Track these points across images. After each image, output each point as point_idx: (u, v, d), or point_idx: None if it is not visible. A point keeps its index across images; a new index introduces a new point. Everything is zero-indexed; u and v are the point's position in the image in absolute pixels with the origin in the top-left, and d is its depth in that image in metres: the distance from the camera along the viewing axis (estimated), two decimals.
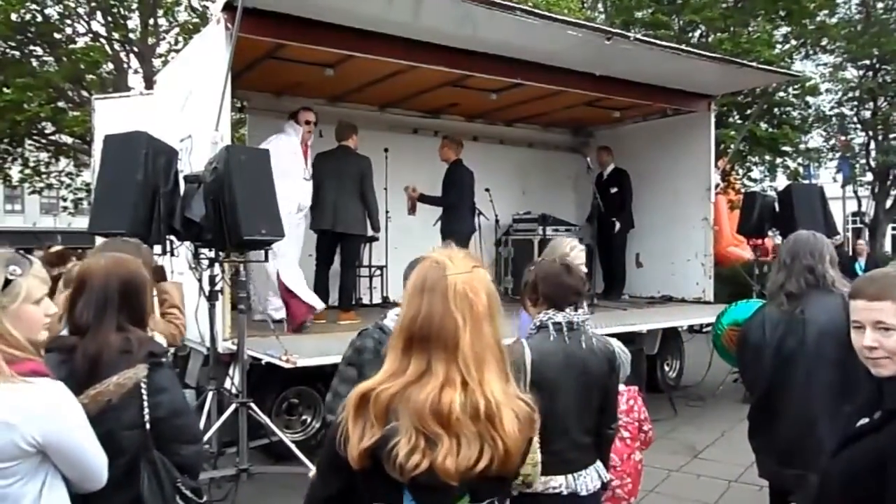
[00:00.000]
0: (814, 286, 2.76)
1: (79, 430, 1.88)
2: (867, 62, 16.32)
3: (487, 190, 8.37)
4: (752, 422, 2.95)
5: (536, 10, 6.10)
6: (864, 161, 18.02)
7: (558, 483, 2.63)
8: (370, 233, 7.17)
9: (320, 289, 6.69)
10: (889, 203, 17.54)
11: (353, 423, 1.45)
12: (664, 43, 7.47)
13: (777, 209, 7.79)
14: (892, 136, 17.08)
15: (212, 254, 4.62)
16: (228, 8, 5.06)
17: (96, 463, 1.94)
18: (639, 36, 7.29)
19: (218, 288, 4.73)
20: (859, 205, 19.05)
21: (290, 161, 6.24)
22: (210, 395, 4.65)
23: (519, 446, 1.47)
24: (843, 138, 17.63)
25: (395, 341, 1.51)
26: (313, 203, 6.64)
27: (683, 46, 8.42)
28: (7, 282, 1.89)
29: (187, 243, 4.69)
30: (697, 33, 14.49)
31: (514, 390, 1.52)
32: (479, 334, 1.47)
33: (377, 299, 8.28)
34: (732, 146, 11.85)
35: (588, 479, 2.66)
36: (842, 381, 2.59)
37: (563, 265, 2.80)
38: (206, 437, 4.27)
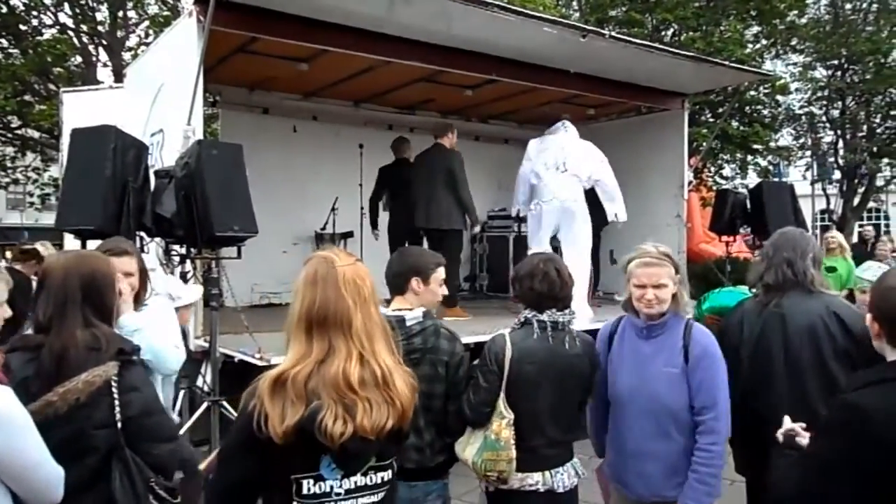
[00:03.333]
0: (792, 281, 2.73)
1: (24, 441, 1.81)
2: (836, 62, 16.59)
3: None
4: (732, 424, 2.95)
5: (511, 7, 6.09)
6: (832, 160, 18.34)
7: (535, 480, 2.63)
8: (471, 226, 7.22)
9: None
10: (856, 201, 17.86)
11: (270, 404, 1.63)
12: (638, 41, 7.51)
13: (748, 206, 7.88)
14: (859, 134, 17.39)
15: (183, 250, 4.55)
16: (201, 0, 4.98)
17: (43, 477, 1.86)
18: (613, 34, 7.31)
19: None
20: (828, 202, 19.37)
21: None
22: (182, 393, 4.58)
23: (411, 403, 1.75)
24: (815, 136, 17.95)
25: (295, 329, 1.72)
26: (411, 201, 6.95)
27: (657, 45, 8.48)
28: None
29: (158, 239, 4.62)
30: (670, 32, 14.59)
31: (399, 360, 1.80)
32: (368, 314, 1.74)
33: None
34: (705, 144, 11.97)
35: (565, 476, 2.67)
36: (819, 386, 2.59)
37: (544, 268, 2.72)
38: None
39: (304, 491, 1.68)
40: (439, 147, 7.05)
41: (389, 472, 1.79)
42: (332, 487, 1.70)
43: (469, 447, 2.65)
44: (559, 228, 6.86)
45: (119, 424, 2.02)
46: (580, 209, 6.87)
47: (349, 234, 8.28)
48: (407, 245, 6.38)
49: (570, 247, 6.72)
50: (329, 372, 1.66)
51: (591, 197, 8.89)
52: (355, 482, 1.73)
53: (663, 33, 14.44)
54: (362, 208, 8.24)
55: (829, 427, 1.91)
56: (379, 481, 1.76)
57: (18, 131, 15.25)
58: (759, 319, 2.78)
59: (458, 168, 6.90)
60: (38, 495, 1.87)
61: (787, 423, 2.18)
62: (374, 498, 1.76)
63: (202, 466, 2.23)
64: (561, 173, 6.85)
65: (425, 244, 6.98)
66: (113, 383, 2.01)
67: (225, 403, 4.52)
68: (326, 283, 1.73)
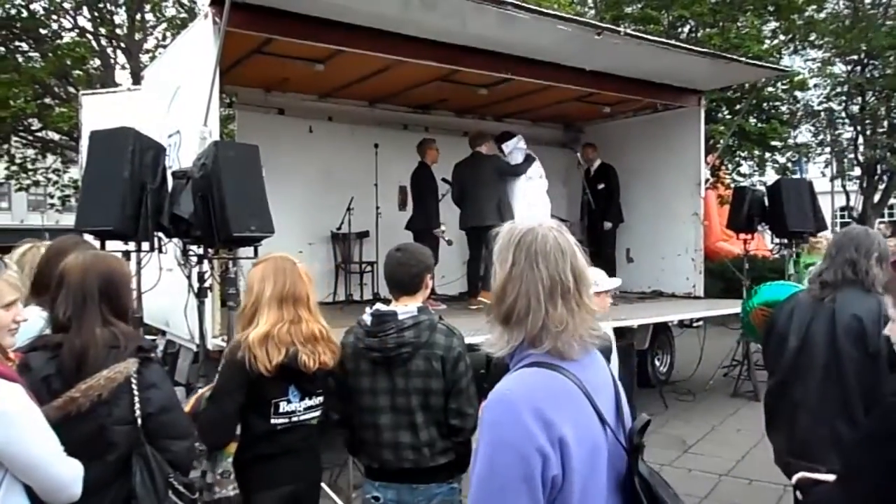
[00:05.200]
0: (852, 281, 2.70)
1: (32, 439, 1.82)
2: (855, 57, 16.37)
3: None
4: (767, 407, 2.94)
5: (526, 5, 6.08)
6: (852, 156, 18.12)
7: None
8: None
9: (471, 279, 7.77)
10: (877, 198, 17.63)
11: (259, 351, 2.51)
12: (654, 38, 7.47)
13: (766, 204, 7.82)
14: (880, 130, 17.16)
15: (200, 250, 4.59)
16: (216, 2, 5.01)
17: (57, 474, 1.87)
18: (629, 31, 7.28)
19: (207, 285, 4.69)
20: (847, 199, 19.14)
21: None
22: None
23: (339, 349, 2.71)
24: (834, 132, 17.76)
25: (270, 302, 2.59)
26: (462, 205, 7.55)
27: (673, 42, 8.43)
28: None
29: (176, 240, 4.65)
30: (687, 28, 14.49)
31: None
32: (314, 294, 2.69)
33: (368, 295, 8.26)
34: (722, 141, 11.88)
35: None
36: (860, 383, 2.56)
37: None
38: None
39: (280, 410, 2.61)
40: (480, 155, 7.54)
41: (322, 396, 2.72)
42: (295, 407, 2.63)
43: None
44: None
45: (139, 421, 2.05)
46: None
47: (365, 234, 8.30)
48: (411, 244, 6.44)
49: None
50: (302, 330, 2.59)
51: (606, 196, 8.91)
52: (306, 403, 2.66)
53: (679, 30, 14.36)
54: (378, 208, 8.27)
55: (879, 435, 1.70)
56: (318, 402, 2.71)
57: (39, 133, 15.44)
58: (810, 310, 2.76)
59: (507, 170, 7.52)
60: (53, 491, 1.88)
61: (802, 475, 2.15)
62: (317, 413, 2.71)
63: (187, 409, 2.77)
64: (540, 179, 7.62)
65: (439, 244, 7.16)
66: (133, 380, 2.05)
67: None
68: (293, 273, 2.65)
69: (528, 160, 7.59)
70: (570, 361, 1.51)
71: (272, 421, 2.58)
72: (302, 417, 2.64)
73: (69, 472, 1.89)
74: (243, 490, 2.69)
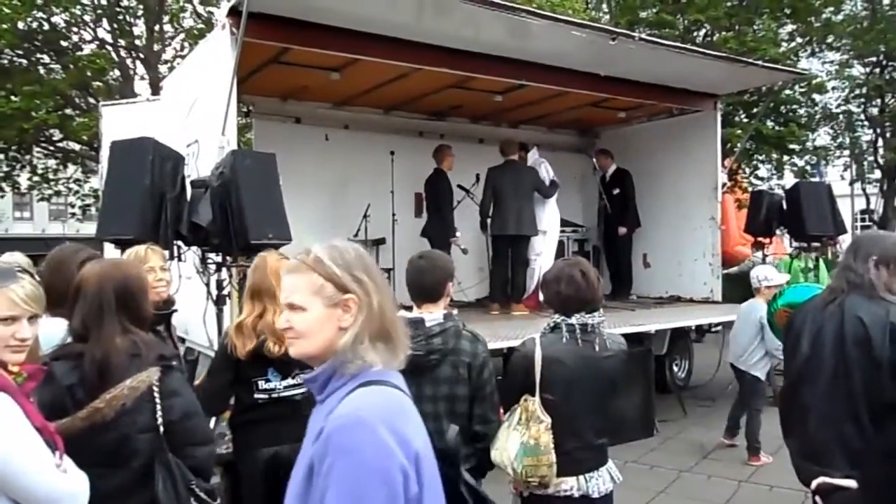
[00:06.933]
0: (856, 285, 2.65)
1: (10, 449, 1.72)
2: (874, 59, 16.24)
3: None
4: (781, 410, 2.93)
5: (540, 11, 6.09)
6: (871, 158, 17.94)
7: (570, 485, 2.62)
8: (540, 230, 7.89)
9: (496, 285, 7.80)
10: None
11: (236, 339, 2.95)
12: (669, 42, 7.45)
13: (785, 207, 7.76)
14: None
15: (219, 258, 4.63)
16: (234, 13, 5.07)
17: (36, 486, 1.75)
18: (644, 36, 7.26)
19: (225, 292, 4.73)
20: (868, 202, 18.95)
21: None
22: None
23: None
24: (853, 135, 17.62)
25: (246, 297, 3.06)
26: (495, 211, 7.62)
27: (688, 46, 8.40)
28: None
29: (195, 248, 4.70)
30: (702, 32, 14.45)
31: None
32: (280, 288, 2.77)
33: None
34: (739, 145, 11.81)
35: (600, 481, 2.65)
36: (867, 387, 2.54)
37: (569, 271, 2.72)
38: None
39: (260, 387, 3.01)
40: (515, 163, 7.72)
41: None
42: (275, 386, 3.02)
43: (505, 452, 2.65)
44: None
45: (161, 429, 2.07)
46: None
47: (381, 241, 8.32)
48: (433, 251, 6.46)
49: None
50: (266, 321, 2.91)
51: (622, 201, 8.88)
52: (287, 382, 3.01)
53: (695, 34, 14.32)
54: (394, 215, 8.30)
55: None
56: (301, 381, 2.82)
57: (60, 144, 15.66)
58: (821, 314, 2.76)
59: (545, 190, 7.76)
60: None
61: (822, 480, 2.14)
62: (300, 390, 2.97)
63: (196, 383, 3.21)
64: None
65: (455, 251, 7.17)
66: (154, 388, 2.06)
67: None
68: (262, 270, 3.02)
69: (555, 187, 7.89)
70: (393, 373, 1.48)
71: (254, 396, 3.03)
72: (283, 394, 3.04)
73: (59, 488, 1.79)
74: (235, 449, 3.15)
